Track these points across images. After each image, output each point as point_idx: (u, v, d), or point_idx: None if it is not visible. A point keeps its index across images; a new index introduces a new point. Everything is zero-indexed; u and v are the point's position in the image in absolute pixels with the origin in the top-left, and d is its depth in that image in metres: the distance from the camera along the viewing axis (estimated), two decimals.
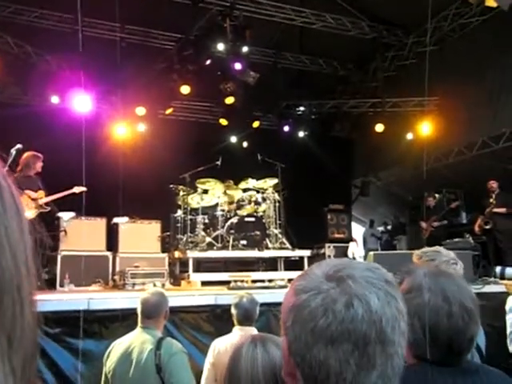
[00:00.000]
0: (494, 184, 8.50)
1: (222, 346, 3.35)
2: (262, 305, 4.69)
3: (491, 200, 8.46)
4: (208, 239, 7.50)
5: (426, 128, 10.10)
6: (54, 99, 9.23)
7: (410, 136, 10.92)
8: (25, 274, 0.37)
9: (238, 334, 3.36)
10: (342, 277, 0.75)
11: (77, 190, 6.36)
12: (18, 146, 5.70)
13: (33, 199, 6.06)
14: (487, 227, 8.52)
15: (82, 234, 6.92)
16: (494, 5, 5.09)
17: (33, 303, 0.37)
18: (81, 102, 8.62)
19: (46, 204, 6.22)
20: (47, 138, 7.41)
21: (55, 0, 8.50)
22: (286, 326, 0.77)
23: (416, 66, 10.06)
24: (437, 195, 9.96)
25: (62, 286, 6.26)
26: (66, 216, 6.85)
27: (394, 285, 0.78)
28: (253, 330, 3.42)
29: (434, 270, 1.52)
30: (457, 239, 8.50)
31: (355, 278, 0.75)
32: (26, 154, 6.07)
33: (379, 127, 10.63)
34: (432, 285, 1.32)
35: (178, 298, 4.60)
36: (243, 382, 1.44)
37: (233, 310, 3.48)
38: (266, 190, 8.18)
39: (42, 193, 6.15)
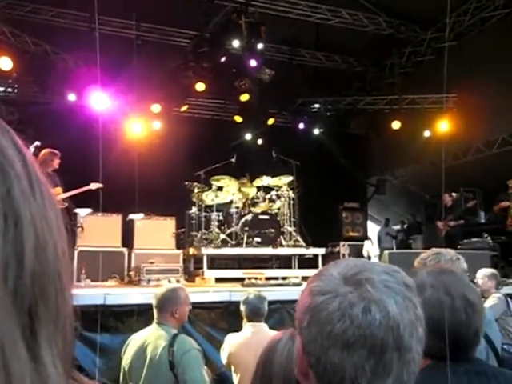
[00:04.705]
0: None
1: (235, 342, 3.39)
2: (276, 302, 4.71)
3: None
4: (222, 236, 7.51)
5: (443, 125, 9.95)
6: (71, 97, 9.33)
7: (427, 133, 10.78)
8: (63, 263, 0.38)
9: (250, 330, 3.40)
10: (360, 280, 0.74)
11: (93, 186, 6.42)
12: (37, 143, 5.79)
13: None
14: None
15: (98, 230, 7.01)
16: None
17: (71, 292, 0.39)
18: (97, 100, 8.72)
19: (63, 200, 6.29)
20: (64, 135, 7.50)
21: None
22: (302, 327, 0.77)
23: (434, 62, 9.89)
24: (454, 194, 9.79)
25: (78, 281, 6.33)
26: (82, 212, 6.93)
27: (413, 289, 0.77)
28: (263, 326, 3.46)
29: (435, 268, 1.53)
30: (475, 239, 8.35)
31: (373, 283, 0.73)
32: (43, 151, 6.14)
33: (396, 124, 10.50)
34: (434, 281, 1.34)
35: (193, 294, 4.60)
36: (275, 377, 1.42)
37: (241, 307, 3.53)
38: (281, 187, 8.15)
39: (59, 189, 6.21)
